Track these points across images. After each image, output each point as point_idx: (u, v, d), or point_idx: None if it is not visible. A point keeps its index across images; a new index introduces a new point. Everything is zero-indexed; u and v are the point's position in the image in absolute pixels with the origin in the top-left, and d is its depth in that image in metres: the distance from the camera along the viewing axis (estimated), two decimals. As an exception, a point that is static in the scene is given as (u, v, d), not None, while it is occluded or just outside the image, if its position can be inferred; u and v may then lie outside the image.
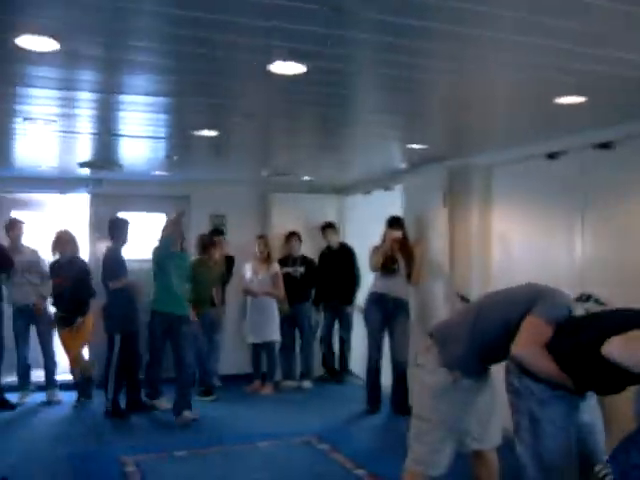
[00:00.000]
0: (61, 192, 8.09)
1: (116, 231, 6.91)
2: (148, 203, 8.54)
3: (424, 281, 6.86)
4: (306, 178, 8.10)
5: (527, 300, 3.22)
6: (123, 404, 6.85)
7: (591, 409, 3.21)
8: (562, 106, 4.17)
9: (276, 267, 8.06)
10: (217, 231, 8.16)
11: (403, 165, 7.02)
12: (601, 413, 3.31)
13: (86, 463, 5.33)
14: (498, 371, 3.54)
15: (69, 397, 7.42)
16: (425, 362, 3.50)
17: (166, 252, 6.69)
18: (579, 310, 4.80)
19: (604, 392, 3.17)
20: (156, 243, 6.86)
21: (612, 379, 2.87)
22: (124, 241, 6.94)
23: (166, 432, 6.28)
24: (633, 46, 3.08)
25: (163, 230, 6.73)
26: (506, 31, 2.87)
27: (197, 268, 7.35)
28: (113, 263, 6.82)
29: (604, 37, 2.92)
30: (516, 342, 3.09)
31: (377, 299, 6.88)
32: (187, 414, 6.46)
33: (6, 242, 7.19)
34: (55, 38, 2.83)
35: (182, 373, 6.64)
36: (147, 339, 6.97)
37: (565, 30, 2.82)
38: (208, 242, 7.63)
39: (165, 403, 6.90)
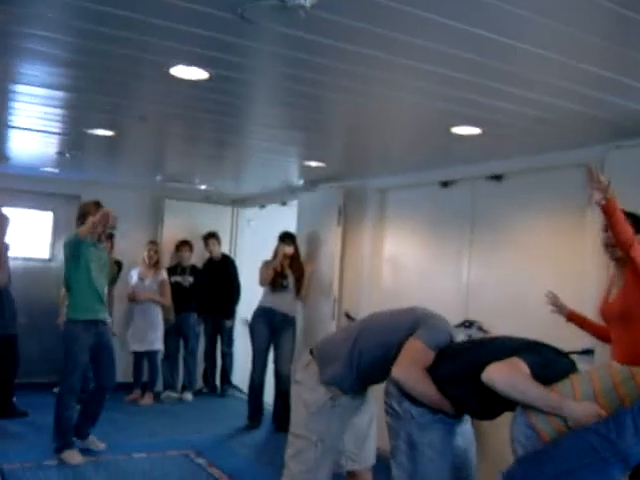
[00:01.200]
0: None
1: None
2: (35, 200, 8.20)
3: (312, 298, 6.88)
4: (202, 187, 8.00)
5: (409, 324, 3.25)
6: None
7: (465, 434, 3.26)
8: (458, 136, 4.29)
9: (164, 274, 7.90)
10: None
11: (300, 182, 7.05)
12: (474, 438, 3.38)
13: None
14: (376, 391, 3.57)
15: None
16: (304, 379, 3.48)
17: (80, 239, 5.41)
18: (461, 336, 4.95)
19: (481, 417, 3.24)
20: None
21: (490, 404, 2.93)
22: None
23: (37, 440, 5.99)
24: (534, 86, 3.19)
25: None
26: (408, 57, 2.92)
27: None
28: None
29: (502, 73, 3.01)
30: (397, 364, 3.11)
31: (265, 313, 6.84)
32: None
33: None
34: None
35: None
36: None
37: (466, 62, 2.90)
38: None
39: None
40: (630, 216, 3.17)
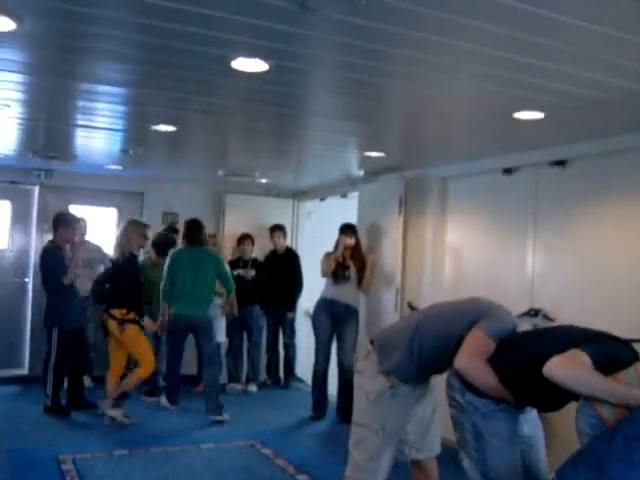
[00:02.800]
0: (11, 181, 7.88)
1: (57, 226, 6.61)
2: (100, 197, 8.41)
3: (375, 289, 6.87)
4: (262, 180, 8.06)
5: (471, 315, 3.23)
6: (64, 401, 6.70)
7: (531, 421, 3.23)
8: (520, 121, 4.22)
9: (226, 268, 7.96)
10: (172, 229, 8.03)
11: (360, 173, 7.03)
12: (542, 425, 3.33)
13: (24, 460, 5.18)
14: (439, 381, 3.55)
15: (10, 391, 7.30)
16: (364, 368, 3.49)
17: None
18: (526, 325, 4.88)
19: (545, 408, 3.19)
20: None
21: (552, 396, 2.89)
22: (65, 238, 6.60)
23: (107, 430, 6.15)
24: (595, 66, 3.12)
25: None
26: (471, 41, 2.87)
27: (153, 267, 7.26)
28: (50, 260, 6.53)
29: (564, 53, 2.95)
30: (459, 355, 3.09)
31: (327, 305, 6.86)
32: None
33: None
34: (12, 17, 2.74)
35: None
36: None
37: (528, 44, 2.84)
38: (166, 241, 7.47)
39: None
40: None
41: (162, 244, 7.38)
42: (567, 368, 2.69)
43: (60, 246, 6.61)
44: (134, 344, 6.40)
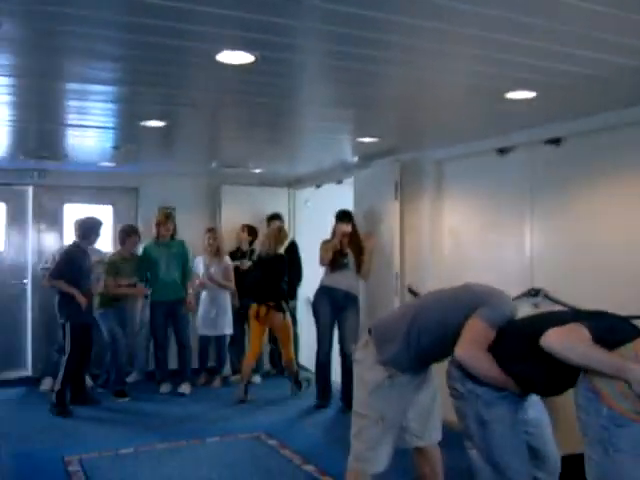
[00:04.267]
0: (4, 183, 7.85)
1: (83, 233, 6.83)
2: (95, 195, 8.37)
3: (374, 275, 6.85)
4: (257, 171, 8.02)
5: (468, 302, 3.20)
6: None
7: (535, 404, 3.22)
8: (513, 101, 4.19)
9: (227, 260, 7.98)
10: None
11: (354, 158, 6.99)
12: (545, 407, 3.32)
13: (30, 463, 5.18)
14: (438, 367, 3.53)
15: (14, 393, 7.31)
16: (362, 358, 3.47)
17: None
18: (527, 305, 4.87)
19: (547, 393, 3.18)
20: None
21: (554, 379, 2.87)
22: (87, 242, 6.86)
23: (112, 428, 6.15)
24: (583, 42, 3.09)
25: None
26: (460, 24, 2.84)
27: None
28: (61, 262, 6.74)
29: (555, 32, 2.92)
30: (459, 345, 3.07)
31: (327, 293, 6.84)
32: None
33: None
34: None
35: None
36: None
37: (517, 24, 2.81)
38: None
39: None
40: None
41: None
42: (564, 339, 2.68)
43: (84, 250, 6.84)
44: (286, 330, 7.28)
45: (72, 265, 6.69)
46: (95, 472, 4.95)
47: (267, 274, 7.17)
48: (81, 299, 6.59)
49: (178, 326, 7.64)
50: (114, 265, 7.23)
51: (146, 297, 7.67)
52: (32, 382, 7.62)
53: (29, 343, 7.97)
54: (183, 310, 7.65)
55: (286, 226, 8.54)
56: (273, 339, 8.46)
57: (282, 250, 7.35)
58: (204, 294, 7.97)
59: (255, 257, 7.75)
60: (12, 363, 7.98)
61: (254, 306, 7.21)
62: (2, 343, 7.85)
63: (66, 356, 6.62)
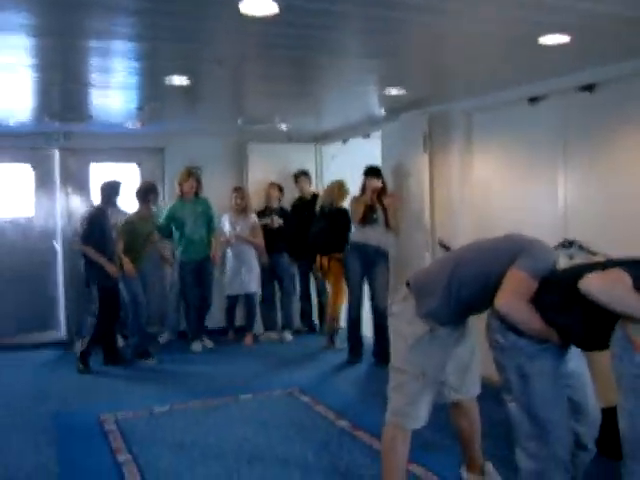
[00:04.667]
0: (31, 147, 7.85)
1: (103, 194, 6.88)
2: (121, 156, 8.36)
3: (404, 230, 6.78)
4: (283, 126, 7.92)
5: (509, 253, 3.12)
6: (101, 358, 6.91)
7: (576, 357, 3.16)
8: (546, 47, 4.05)
9: (254, 218, 7.96)
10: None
11: (382, 112, 6.87)
12: (586, 360, 3.26)
13: (68, 422, 5.24)
14: (477, 321, 3.48)
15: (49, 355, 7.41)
16: (400, 311, 3.41)
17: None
18: (561, 257, 4.78)
19: (588, 346, 3.11)
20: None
21: (596, 331, 2.81)
22: (109, 204, 6.91)
23: (146, 388, 6.21)
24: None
25: None
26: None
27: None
28: (88, 227, 6.76)
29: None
30: (500, 295, 3.00)
31: (357, 249, 6.80)
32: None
33: None
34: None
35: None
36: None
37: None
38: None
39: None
40: None
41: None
42: (603, 283, 2.62)
43: (107, 213, 6.91)
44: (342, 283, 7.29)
45: (97, 229, 6.72)
46: (131, 430, 5.00)
47: (332, 227, 7.33)
48: (111, 268, 6.66)
49: (204, 284, 7.72)
50: (130, 226, 7.13)
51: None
52: (66, 344, 7.70)
53: (62, 306, 8.05)
54: (210, 268, 7.74)
55: (313, 182, 8.48)
56: (305, 296, 8.47)
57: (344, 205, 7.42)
58: (230, 253, 7.97)
59: (317, 211, 7.73)
60: (46, 326, 8.10)
61: (319, 258, 7.47)
62: (36, 307, 7.97)
63: (96, 319, 6.75)
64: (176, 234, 7.66)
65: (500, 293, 2.97)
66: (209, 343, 7.80)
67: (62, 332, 8.04)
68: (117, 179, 7.07)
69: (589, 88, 4.86)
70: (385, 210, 6.73)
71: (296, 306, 8.52)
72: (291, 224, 8.19)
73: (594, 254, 4.78)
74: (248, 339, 7.96)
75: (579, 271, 2.87)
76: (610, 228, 4.75)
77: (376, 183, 6.71)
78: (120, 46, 4.01)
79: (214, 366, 6.92)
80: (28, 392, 6.09)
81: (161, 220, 7.67)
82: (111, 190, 6.89)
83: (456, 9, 3.34)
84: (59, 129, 7.47)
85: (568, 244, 5.04)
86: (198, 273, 7.67)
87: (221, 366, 6.91)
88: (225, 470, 4.23)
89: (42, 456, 4.53)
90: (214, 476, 4.15)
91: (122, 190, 7.00)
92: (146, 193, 7.29)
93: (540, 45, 4.01)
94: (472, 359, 3.61)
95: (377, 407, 3.83)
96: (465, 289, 3.18)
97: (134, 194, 7.32)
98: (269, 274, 8.13)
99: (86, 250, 6.71)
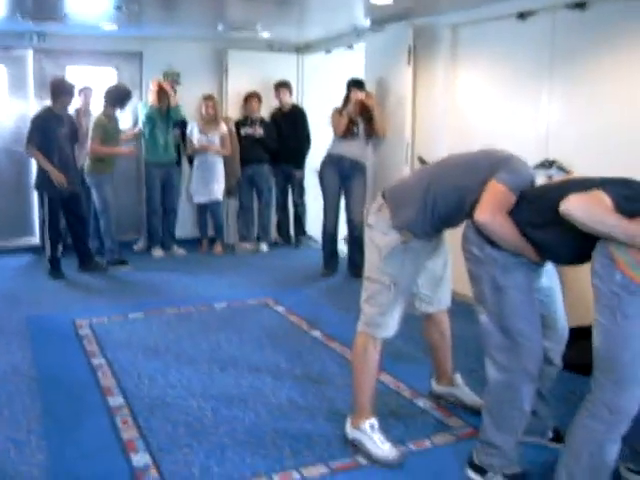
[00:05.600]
0: (3, 47, 7.59)
1: (53, 94, 6.58)
2: (97, 59, 8.13)
3: (384, 143, 6.73)
4: (265, 35, 7.72)
5: (487, 166, 3.09)
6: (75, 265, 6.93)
7: (549, 273, 3.19)
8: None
9: (224, 128, 7.86)
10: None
11: (366, 22, 6.71)
12: (558, 276, 3.29)
13: (42, 326, 5.26)
14: (451, 234, 3.49)
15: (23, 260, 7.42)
16: (376, 222, 3.40)
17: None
18: (541, 176, 4.78)
19: (565, 262, 3.13)
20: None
21: (573, 247, 2.82)
22: (61, 105, 6.62)
23: (121, 294, 6.23)
24: None
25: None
26: None
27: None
28: (32, 128, 6.54)
29: None
30: (479, 208, 2.98)
31: (334, 161, 6.75)
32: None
33: None
34: None
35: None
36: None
37: None
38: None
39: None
40: None
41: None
42: (583, 204, 2.60)
43: (57, 114, 6.58)
44: None
45: (44, 132, 6.48)
46: (105, 335, 5.03)
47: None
48: (58, 177, 6.47)
49: (167, 190, 7.79)
50: (100, 127, 6.97)
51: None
52: (40, 249, 7.67)
53: (35, 211, 7.94)
54: (175, 174, 7.87)
55: (294, 93, 8.35)
56: (282, 207, 8.46)
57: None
58: (197, 161, 7.92)
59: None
60: (20, 231, 8.03)
61: None
62: (9, 211, 7.89)
63: (45, 227, 6.70)
64: (146, 136, 7.67)
65: (479, 205, 2.96)
66: (179, 251, 7.88)
67: (37, 237, 7.97)
68: (66, 78, 6.96)
69: (580, 5, 4.75)
70: (369, 122, 6.64)
71: (273, 218, 8.51)
72: (271, 135, 8.08)
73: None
74: (217, 248, 8.02)
75: (559, 187, 2.85)
76: (592, 150, 4.73)
77: (361, 94, 6.60)
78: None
79: (189, 275, 6.94)
80: (1, 297, 6.07)
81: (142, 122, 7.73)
82: (58, 88, 6.56)
83: None
84: (33, 28, 7.20)
85: (548, 164, 5.02)
86: (162, 178, 7.71)
87: (196, 275, 6.94)
88: (198, 375, 4.29)
89: (15, 357, 4.56)
90: (187, 380, 4.20)
91: (73, 90, 6.72)
92: (122, 99, 7.14)
93: (532, -44, 3.90)
94: (445, 272, 3.64)
95: (349, 318, 3.87)
96: (441, 202, 3.17)
97: (106, 94, 7.12)
98: (248, 184, 8.09)
99: (34, 154, 6.55)
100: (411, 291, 3.47)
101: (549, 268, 3.18)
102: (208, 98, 7.89)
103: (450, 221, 3.26)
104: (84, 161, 7.07)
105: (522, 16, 5.27)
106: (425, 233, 3.28)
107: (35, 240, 7.92)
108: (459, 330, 4.04)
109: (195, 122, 7.91)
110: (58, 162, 6.53)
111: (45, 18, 6.40)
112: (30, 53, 7.74)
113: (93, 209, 7.26)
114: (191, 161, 8.02)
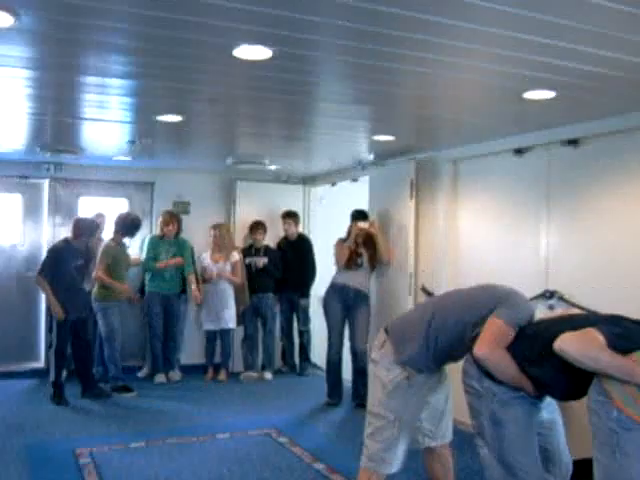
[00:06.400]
0: (21, 176, 7.87)
1: (75, 232, 6.86)
2: (110, 189, 8.39)
3: (387, 274, 6.83)
4: (272, 167, 7.99)
5: (488, 302, 3.18)
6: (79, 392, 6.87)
7: (550, 406, 3.20)
8: (531, 101, 4.16)
9: (235, 256, 7.99)
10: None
11: (370, 157, 6.96)
12: (559, 410, 3.29)
13: (42, 454, 5.19)
14: (452, 367, 3.51)
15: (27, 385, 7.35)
16: (379, 358, 3.45)
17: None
18: (542, 307, 4.83)
19: (563, 397, 3.14)
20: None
21: (571, 384, 2.85)
22: (80, 241, 6.87)
23: (123, 422, 6.16)
24: (605, 42, 3.05)
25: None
26: (479, 22, 2.82)
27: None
28: (46, 259, 6.81)
29: (576, 31, 2.88)
30: (479, 343, 3.04)
31: (337, 291, 6.83)
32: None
33: None
34: (9, 12, 2.69)
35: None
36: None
37: (538, 23, 2.78)
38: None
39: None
40: None
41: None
42: (577, 343, 2.66)
43: (75, 247, 6.83)
44: None
45: (57, 264, 6.69)
46: (106, 465, 4.96)
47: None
48: (58, 310, 6.59)
49: (170, 319, 7.85)
50: (108, 254, 7.14)
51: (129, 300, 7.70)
52: (45, 374, 7.65)
53: (42, 335, 7.99)
54: (178, 304, 7.93)
55: (300, 223, 8.55)
56: (287, 335, 8.48)
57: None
58: (208, 289, 8.00)
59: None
60: (26, 355, 8.03)
61: None
62: (16, 335, 7.93)
63: (52, 350, 6.75)
64: (149, 266, 7.80)
65: (479, 341, 3.01)
66: (176, 375, 7.86)
67: (41, 361, 7.98)
68: (92, 218, 7.23)
69: (573, 142, 4.96)
70: (371, 254, 6.77)
71: (278, 346, 8.51)
72: (276, 264, 8.21)
73: (574, 306, 4.83)
74: (222, 375, 7.98)
75: (554, 325, 2.91)
76: (591, 280, 4.81)
77: (362, 224, 6.77)
78: (115, 83, 4.06)
79: (193, 403, 6.89)
80: (2, 421, 6.02)
81: (144, 255, 7.86)
82: (83, 228, 6.87)
83: (444, 62, 3.43)
84: (50, 160, 7.49)
85: (549, 295, 5.09)
86: (165, 307, 7.79)
87: (200, 403, 6.88)
88: (198, 509, 4.21)
89: (14, 487, 4.49)
90: (187, 514, 4.12)
91: (94, 230, 7.07)
92: (133, 228, 7.35)
93: (525, 99, 4.11)
94: (447, 406, 3.65)
95: (354, 451, 3.84)
96: (443, 337, 3.23)
97: (117, 222, 7.31)
98: (252, 313, 8.14)
99: (40, 283, 6.73)
100: (415, 426, 3.47)
101: (550, 401, 3.19)
102: (215, 227, 8.07)
103: (452, 356, 3.31)
104: (92, 286, 7.16)
105: (519, 152, 5.49)
106: (428, 368, 3.32)
107: (40, 364, 7.94)
108: (462, 462, 3.99)
109: (206, 252, 8.05)
110: (66, 291, 6.66)
111: (62, 151, 6.67)
112: (46, 182, 8.02)
113: (98, 335, 7.30)
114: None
